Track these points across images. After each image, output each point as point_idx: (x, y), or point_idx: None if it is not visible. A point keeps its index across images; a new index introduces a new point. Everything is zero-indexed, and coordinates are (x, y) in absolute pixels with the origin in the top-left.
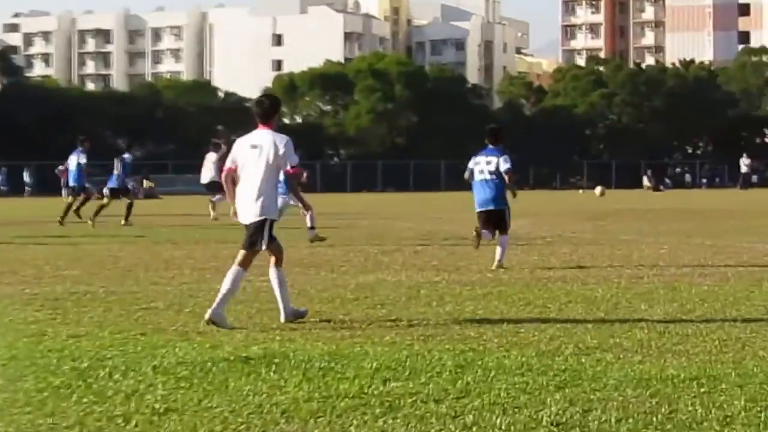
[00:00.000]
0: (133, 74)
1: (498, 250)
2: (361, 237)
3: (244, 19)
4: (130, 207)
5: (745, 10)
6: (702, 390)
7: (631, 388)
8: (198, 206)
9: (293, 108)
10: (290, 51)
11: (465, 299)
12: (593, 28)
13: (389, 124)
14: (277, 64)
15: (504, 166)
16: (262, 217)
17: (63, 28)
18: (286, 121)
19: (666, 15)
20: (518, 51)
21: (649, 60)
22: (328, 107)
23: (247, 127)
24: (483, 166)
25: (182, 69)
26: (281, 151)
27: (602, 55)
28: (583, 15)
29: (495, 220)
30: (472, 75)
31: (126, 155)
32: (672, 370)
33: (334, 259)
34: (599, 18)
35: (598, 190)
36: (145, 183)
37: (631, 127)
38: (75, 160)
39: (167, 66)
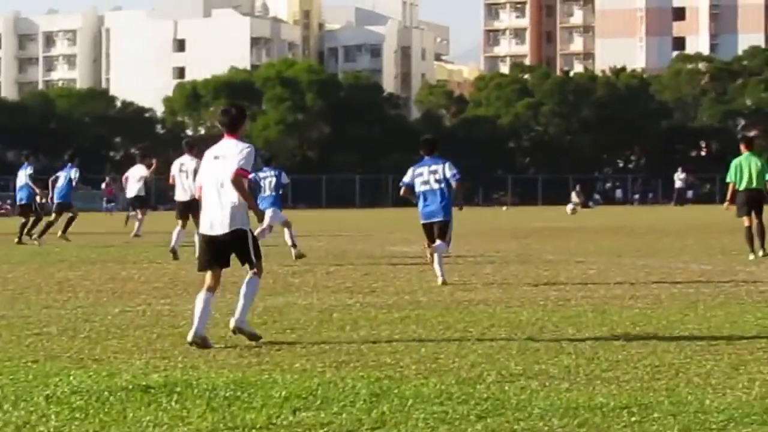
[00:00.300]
0: (23, 82)
1: (436, 262)
2: (269, 257)
3: (143, 22)
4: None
5: (680, 14)
6: (633, 419)
7: (557, 417)
8: (95, 223)
9: (196, 119)
10: (193, 57)
11: (381, 323)
12: (518, 33)
13: (300, 136)
14: (179, 71)
15: (450, 171)
16: (236, 228)
17: None
18: (189, 132)
19: (595, 19)
20: (437, 57)
21: (578, 67)
22: None
23: (146, 138)
24: (427, 176)
25: (77, 76)
26: (238, 157)
27: (527, 62)
28: (507, 19)
29: (438, 230)
30: (389, 83)
31: (71, 168)
32: (601, 398)
33: (240, 280)
34: (524, 22)
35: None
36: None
37: (559, 140)
38: (23, 175)
39: (60, 73)
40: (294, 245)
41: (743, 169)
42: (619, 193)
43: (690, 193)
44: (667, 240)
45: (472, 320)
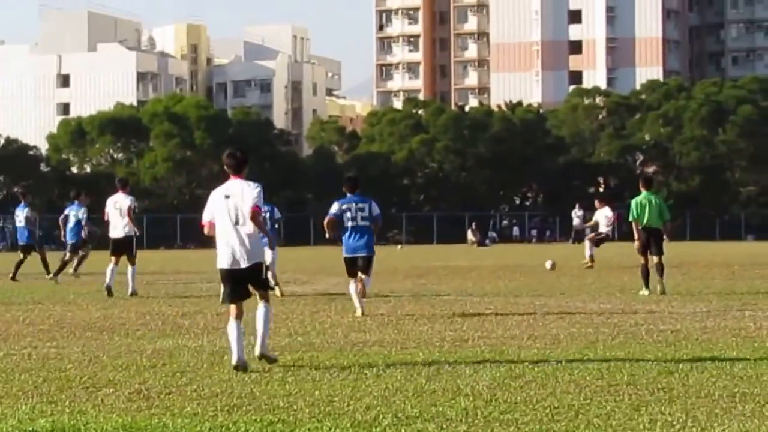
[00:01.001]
0: None
1: (364, 282)
2: (158, 298)
3: (26, 57)
4: (65, 263)
5: (576, 47)
6: None
7: None
8: None
9: (82, 156)
10: (78, 92)
11: (273, 365)
12: (411, 68)
13: (188, 173)
14: (64, 107)
15: (376, 211)
16: (256, 261)
17: None
18: (74, 170)
19: (490, 53)
20: (329, 92)
21: (473, 102)
22: (121, 155)
23: (30, 177)
24: (354, 213)
25: None
26: (250, 195)
27: (421, 96)
28: (399, 53)
29: (362, 264)
30: (279, 119)
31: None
32: None
33: (128, 322)
34: (417, 56)
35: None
36: None
37: (454, 176)
38: (21, 215)
39: None
40: (277, 284)
41: (644, 207)
42: (516, 230)
43: (588, 231)
44: (565, 279)
45: (367, 362)
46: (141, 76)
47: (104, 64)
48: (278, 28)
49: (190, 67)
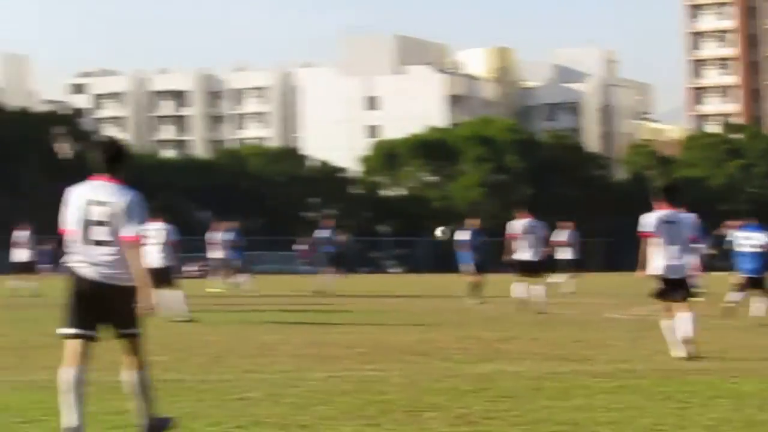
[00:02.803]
0: (214, 140)
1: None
2: (475, 321)
3: (333, 79)
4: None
5: None
6: None
7: None
8: (291, 285)
9: (393, 179)
10: (386, 115)
11: (596, 392)
12: (725, 91)
13: (501, 197)
14: (371, 130)
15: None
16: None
17: (135, 90)
18: (383, 192)
19: None
20: (640, 116)
21: None
22: (431, 178)
23: (339, 199)
24: (744, 240)
25: (267, 134)
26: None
27: (739, 120)
28: (712, 76)
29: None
30: (590, 142)
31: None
32: None
33: (447, 346)
34: (731, 80)
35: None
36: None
37: None
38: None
39: (250, 131)
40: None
41: None
42: None
43: None
44: None
45: (691, 390)
46: (453, 99)
47: (413, 87)
48: (586, 51)
49: (500, 89)
